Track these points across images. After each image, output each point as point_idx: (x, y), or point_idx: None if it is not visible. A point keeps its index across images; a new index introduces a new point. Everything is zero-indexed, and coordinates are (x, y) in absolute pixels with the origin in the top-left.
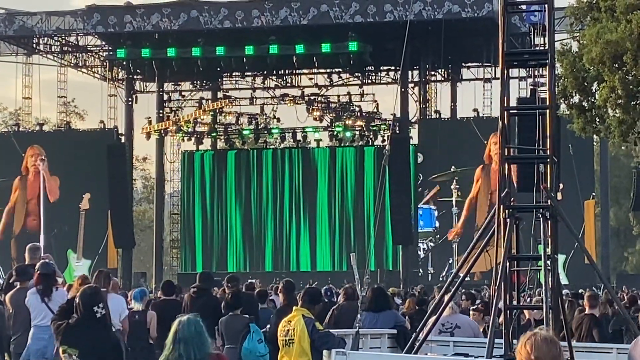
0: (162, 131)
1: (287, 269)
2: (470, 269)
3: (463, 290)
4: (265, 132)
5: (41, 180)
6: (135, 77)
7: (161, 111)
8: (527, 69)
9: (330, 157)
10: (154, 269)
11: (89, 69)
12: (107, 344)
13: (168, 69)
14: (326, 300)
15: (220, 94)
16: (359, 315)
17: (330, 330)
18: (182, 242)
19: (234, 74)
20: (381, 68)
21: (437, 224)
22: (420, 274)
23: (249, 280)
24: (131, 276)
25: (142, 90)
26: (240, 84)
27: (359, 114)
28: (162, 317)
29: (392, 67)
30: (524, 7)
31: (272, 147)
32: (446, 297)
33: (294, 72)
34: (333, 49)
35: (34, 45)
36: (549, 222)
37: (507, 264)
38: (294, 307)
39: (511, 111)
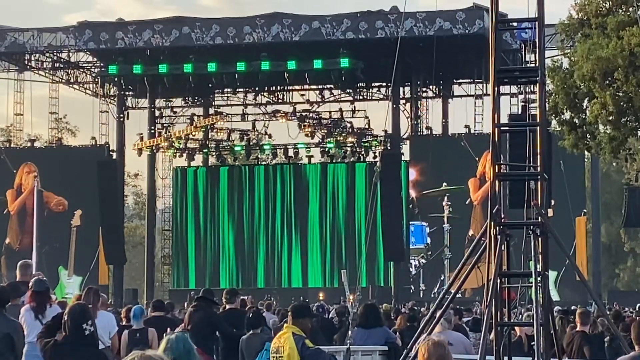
0: (153, 147)
1: (279, 285)
2: (462, 286)
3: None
4: (257, 148)
5: (35, 197)
6: (126, 93)
7: (153, 127)
8: (518, 86)
9: (322, 174)
10: (145, 285)
11: (81, 85)
12: None
13: (160, 85)
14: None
15: (211, 110)
16: (350, 332)
17: (321, 347)
18: (174, 259)
19: (225, 90)
20: (373, 84)
21: (428, 240)
22: (411, 291)
23: (241, 297)
24: (122, 293)
25: (134, 106)
26: (231, 100)
27: (350, 130)
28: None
29: (384, 84)
30: (515, 24)
31: (263, 163)
32: (437, 314)
33: (286, 88)
34: (325, 65)
35: (26, 62)
36: (540, 238)
37: (498, 280)
38: (285, 325)
39: (502, 128)
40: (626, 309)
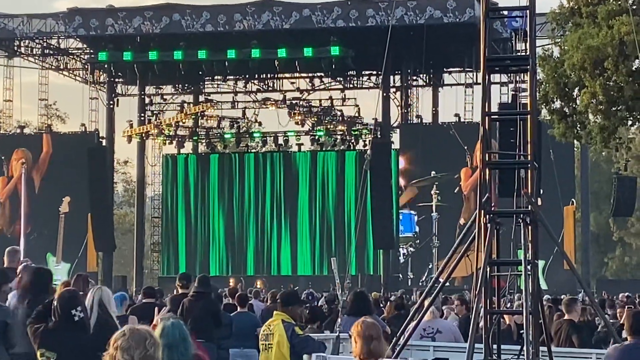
0: (143, 134)
1: (268, 272)
2: (451, 274)
3: (457, 295)
4: (247, 136)
5: (23, 184)
6: (116, 80)
7: (142, 114)
8: (509, 75)
9: (312, 162)
10: (134, 272)
11: (71, 71)
12: (86, 348)
13: (150, 72)
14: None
15: (202, 98)
16: (339, 320)
17: (310, 335)
18: (164, 246)
19: (215, 77)
20: (363, 73)
21: (417, 229)
22: (400, 279)
23: (231, 286)
24: (112, 280)
25: (124, 93)
26: (222, 88)
27: (340, 118)
28: (142, 321)
29: (374, 72)
30: (505, 12)
31: (253, 151)
32: (426, 302)
33: (276, 76)
34: (315, 53)
35: (15, 48)
36: (530, 227)
37: (488, 268)
38: (274, 312)
39: (492, 116)
40: (613, 297)
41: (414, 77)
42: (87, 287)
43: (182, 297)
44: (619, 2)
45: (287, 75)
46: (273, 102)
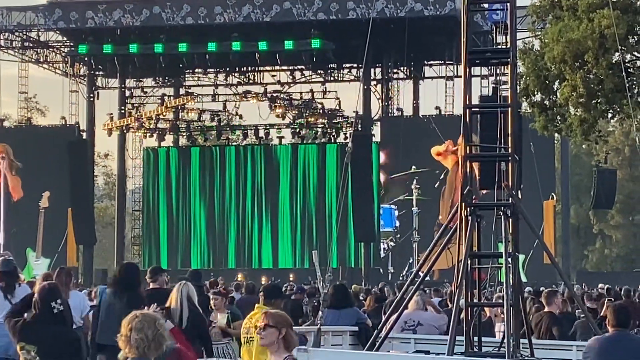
0: (123, 127)
1: (250, 266)
2: (432, 267)
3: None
4: (228, 129)
5: (1, 179)
6: (97, 73)
7: (123, 107)
8: (489, 67)
9: (293, 155)
10: (115, 265)
11: (51, 64)
12: (66, 340)
13: (130, 65)
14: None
15: (182, 91)
16: (320, 312)
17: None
18: (145, 239)
19: (196, 70)
20: (344, 65)
21: (397, 224)
22: (381, 273)
23: (212, 278)
24: (92, 273)
25: (104, 86)
26: (202, 81)
27: (321, 111)
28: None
29: (355, 65)
30: (486, 5)
31: (234, 144)
32: (407, 296)
33: (257, 69)
34: (296, 46)
35: None
36: (510, 220)
37: (469, 261)
38: (256, 305)
39: (473, 109)
40: (594, 289)
41: (395, 70)
42: (69, 281)
43: (154, 291)
44: None
45: (267, 68)
46: (254, 95)
